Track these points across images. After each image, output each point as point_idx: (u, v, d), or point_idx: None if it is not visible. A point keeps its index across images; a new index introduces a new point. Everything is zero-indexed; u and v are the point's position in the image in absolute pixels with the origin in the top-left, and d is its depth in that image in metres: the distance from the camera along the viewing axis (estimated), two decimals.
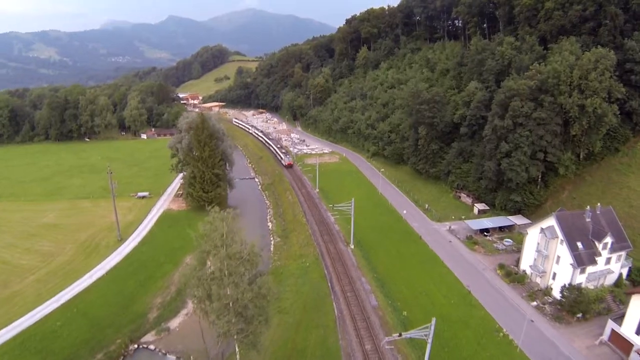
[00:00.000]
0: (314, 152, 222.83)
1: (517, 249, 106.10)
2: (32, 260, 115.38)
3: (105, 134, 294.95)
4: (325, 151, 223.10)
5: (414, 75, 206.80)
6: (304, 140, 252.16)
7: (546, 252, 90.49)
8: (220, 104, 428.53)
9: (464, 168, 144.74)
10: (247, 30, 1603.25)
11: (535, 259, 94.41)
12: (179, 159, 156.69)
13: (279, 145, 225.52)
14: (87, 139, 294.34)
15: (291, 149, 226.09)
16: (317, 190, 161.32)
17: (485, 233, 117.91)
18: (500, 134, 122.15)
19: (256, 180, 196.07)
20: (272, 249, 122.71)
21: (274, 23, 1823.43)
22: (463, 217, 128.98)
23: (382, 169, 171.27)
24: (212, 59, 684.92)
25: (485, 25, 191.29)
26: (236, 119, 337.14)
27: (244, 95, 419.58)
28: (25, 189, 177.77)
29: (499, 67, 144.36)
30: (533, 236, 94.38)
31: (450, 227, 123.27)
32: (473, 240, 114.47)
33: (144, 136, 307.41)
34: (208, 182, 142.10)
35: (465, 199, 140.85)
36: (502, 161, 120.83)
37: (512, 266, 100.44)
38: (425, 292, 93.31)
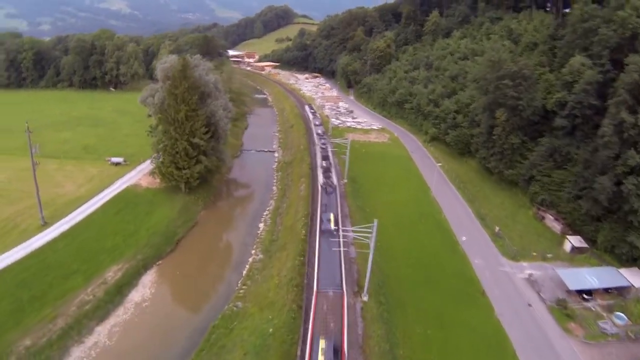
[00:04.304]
0: (359, 126, 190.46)
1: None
2: None
3: (132, 84, 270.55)
4: (374, 127, 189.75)
5: (493, 47, 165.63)
6: (352, 111, 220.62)
7: None
8: (273, 64, 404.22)
9: (555, 177, 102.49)
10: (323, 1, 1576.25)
11: None
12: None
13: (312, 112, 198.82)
14: (112, 89, 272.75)
15: (333, 119, 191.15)
16: (346, 181, 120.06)
17: (586, 296, 75.23)
18: (628, 137, 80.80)
19: (276, 154, 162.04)
20: (243, 272, 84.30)
21: None
22: (550, 255, 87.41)
23: (441, 162, 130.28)
24: (275, 19, 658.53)
25: None
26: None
27: (301, 57, 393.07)
28: (4, 142, 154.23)
29: (617, 40, 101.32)
30: None
31: (530, 275, 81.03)
32: (566, 308, 71.84)
33: None
34: (182, 155, 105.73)
35: (552, 222, 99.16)
36: (625, 179, 79.80)
37: None
38: None
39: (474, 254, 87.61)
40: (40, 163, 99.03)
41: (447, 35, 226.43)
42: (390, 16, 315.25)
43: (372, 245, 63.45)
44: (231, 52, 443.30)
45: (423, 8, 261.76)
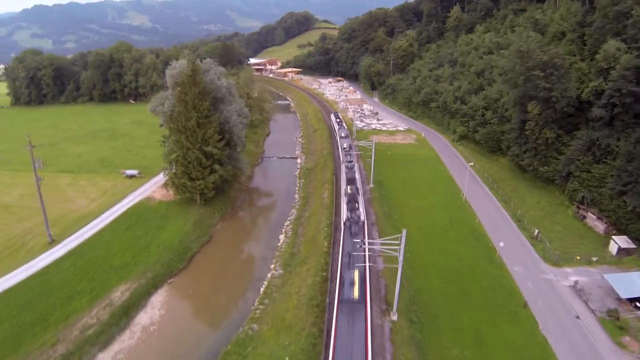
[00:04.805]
0: (385, 128, 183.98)
1: None
2: None
3: (152, 95, 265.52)
4: (400, 128, 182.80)
5: (518, 40, 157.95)
6: (376, 113, 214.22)
7: None
8: (296, 69, 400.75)
9: (594, 172, 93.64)
10: (343, 3, 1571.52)
11: None
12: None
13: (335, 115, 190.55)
14: (132, 101, 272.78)
15: (357, 122, 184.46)
16: (372, 185, 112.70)
17: (639, 304, 66.86)
18: None
19: (298, 161, 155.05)
20: (261, 289, 76.67)
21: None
22: (595, 258, 78.82)
23: (472, 162, 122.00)
24: (296, 25, 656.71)
25: None
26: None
27: (324, 62, 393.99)
28: (19, 156, 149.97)
29: None
30: None
31: (576, 282, 72.46)
32: (618, 319, 63.28)
33: None
34: (195, 165, 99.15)
35: (594, 222, 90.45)
36: None
37: None
38: None
39: (513, 261, 79.21)
40: (44, 178, 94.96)
41: (470, 30, 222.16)
42: (411, 15, 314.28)
43: (400, 258, 55.69)
44: (253, 60, 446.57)
45: (444, 4, 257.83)
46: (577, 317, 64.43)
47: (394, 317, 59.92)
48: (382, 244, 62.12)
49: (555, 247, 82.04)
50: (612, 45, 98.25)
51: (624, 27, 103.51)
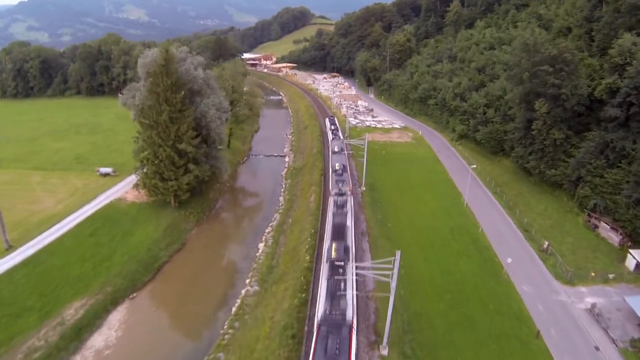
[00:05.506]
0: (380, 125, 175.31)
1: None
2: None
3: None
4: (396, 126, 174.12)
5: (521, 34, 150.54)
6: (371, 110, 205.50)
7: None
8: (290, 65, 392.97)
9: (608, 177, 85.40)
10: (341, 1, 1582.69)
11: None
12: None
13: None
14: (121, 94, 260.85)
15: (351, 119, 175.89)
16: (364, 188, 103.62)
17: None
18: None
19: (286, 159, 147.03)
20: (233, 309, 67.66)
21: None
22: (612, 275, 70.32)
23: (474, 165, 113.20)
24: (292, 20, 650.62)
25: None
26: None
27: (319, 57, 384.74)
28: None
29: None
30: None
31: (593, 306, 63.50)
32: None
33: None
34: (167, 164, 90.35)
35: (607, 232, 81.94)
36: None
37: None
38: None
39: (521, 278, 70.08)
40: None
41: (470, 25, 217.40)
42: (408, 10, 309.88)
43: (393, 284, 46.22)
44: (248, 55, 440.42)
45: None
46: (597, 349, 55.67)
47: (384, 352, 50.57)
48: (372, 269, 52.75)
49: (567, 262, 73.26)
50: (627, 39, 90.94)
51: (637, 22, 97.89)
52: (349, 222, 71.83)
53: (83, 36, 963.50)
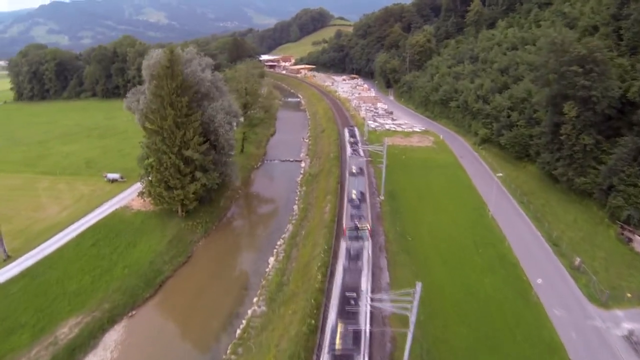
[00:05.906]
0: (399, 128, 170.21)
1: None
2: None
3: None
4: (416, 129, 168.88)
5: (546, 34, 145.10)
6: (391, 113, 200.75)
7: None
8: (309, 66, 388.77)
9: None
10: (359, 1, 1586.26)
11: None
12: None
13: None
14: (126, 98, 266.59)
15: (370, 122, 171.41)
16: (382, 197, 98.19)
17: None
18: None
19: (302, 164, 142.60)
20: (237, 331, 62.80)
21: None
22: None
23: (500, 173, 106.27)
24: (311, 22, 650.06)
25: None
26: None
27: (338, 59, 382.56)
28: (6, 155, 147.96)
29: None
30: None
31: (631, 333, 56.75)
32: None
33: None
34: (172, 172, 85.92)
35: None
36: None
37: None
38: None
39: (552, 300, 63.51)
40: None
41: (492, 25, 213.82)
42: (428, 10, 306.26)
43: (412, 318, 40.90)
44: (267, 57, 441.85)
45: None
46: None
47: None
48: (392, 301, 46.62)
49: (601, 280, 66.75)
50: None
51: None
52: (364, 284, 57.51)
53: (103, 39, 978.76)
